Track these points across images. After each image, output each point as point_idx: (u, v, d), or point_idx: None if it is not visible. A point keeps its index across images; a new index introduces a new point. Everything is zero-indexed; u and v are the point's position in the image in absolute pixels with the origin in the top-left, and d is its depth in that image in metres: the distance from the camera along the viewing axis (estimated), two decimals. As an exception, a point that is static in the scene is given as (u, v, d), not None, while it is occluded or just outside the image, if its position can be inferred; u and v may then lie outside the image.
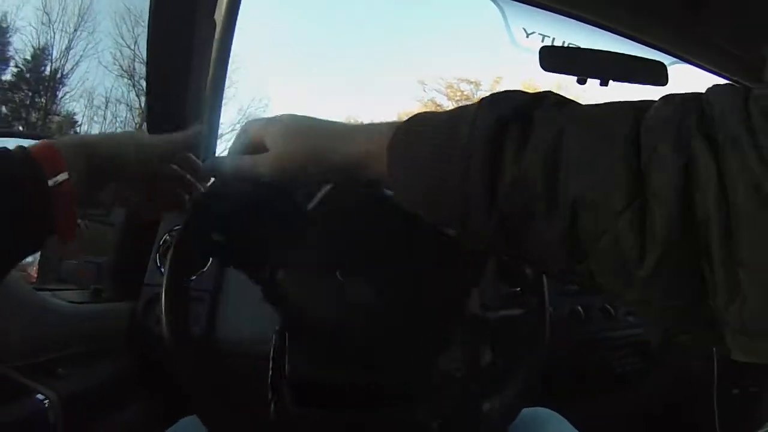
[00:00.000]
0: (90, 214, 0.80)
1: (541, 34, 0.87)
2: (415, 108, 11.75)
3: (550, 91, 0.31)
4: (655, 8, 0.90)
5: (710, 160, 0.23)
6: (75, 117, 7.94)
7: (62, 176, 0.36)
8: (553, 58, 0.85)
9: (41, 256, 0.76)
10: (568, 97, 0.31)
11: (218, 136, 0.91)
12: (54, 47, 7.65)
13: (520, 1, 0.85)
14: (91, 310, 0.73)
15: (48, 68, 7.77)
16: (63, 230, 0.37)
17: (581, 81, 0.87)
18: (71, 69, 7.72)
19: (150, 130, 0.78)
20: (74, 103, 7.85)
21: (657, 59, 0.89)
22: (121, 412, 0.72)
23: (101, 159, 0.40)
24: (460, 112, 0.33)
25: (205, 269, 0.73)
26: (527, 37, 0.86)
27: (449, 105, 11.29)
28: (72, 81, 7.79)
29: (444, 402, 0.56)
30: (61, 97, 7.87)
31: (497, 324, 0.68)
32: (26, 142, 0.80)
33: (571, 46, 0.87)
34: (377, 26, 16.08)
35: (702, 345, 0.30)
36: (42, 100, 7.67)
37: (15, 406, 0.55)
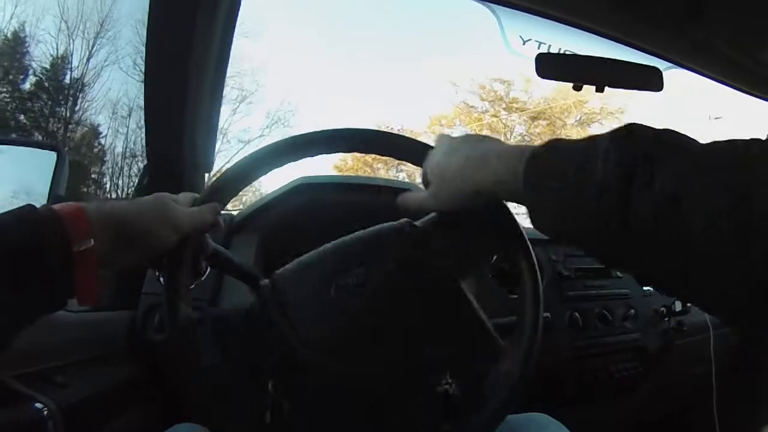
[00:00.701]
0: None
1: (537, 41, 0.87)
2: (447, 110, 11.83)
3: (668, 130, 0.34)
4: (652, 14, 0.90)
5: None
6: (100, 128, 7.85)
7: (86, 243, 0.37)
8: (550, 65, 0.85)
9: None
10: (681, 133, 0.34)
11: (217, 139, 0.92)
12: (74, 55, 7.59)
13: (516, 9, 0.85)
14: (89, 318, 0.73)
15: (68, 77, 7.72)
16: (83, 294, 0.37)
17: (577, 87, 0.88)
18: (93, 77, 7.66)
19: (149, 136, 0.78)
20: (98, 115, 7.76)
21: (652, 65, 0.90)
22: (119, 420, 0.72)
23: (127, 231, 0.40)
24: (591, 145, 0.35)
25: (203, 278, 0.74)
26: (524, 44, 0.87)
27: (482, 105, 11.46)
28: (94, 90, 7.72)
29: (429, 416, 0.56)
30: (86, 107, 7.78)
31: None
32: (41, 153, 0.81)
33: (567, 52, 0.87)
34: (403, 28, 15.85)
35: None
36: (62, 109, 7.63)
37: (14, 414, 0.55)
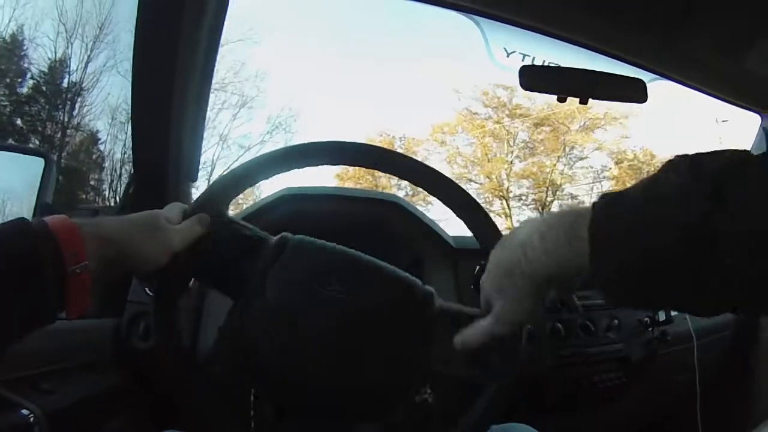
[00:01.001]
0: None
1: (521, 53, 0.88)
2: (449, 117, 11.63)
3: (747, 155, 0.32)
4: (636, 26, 0.91)
5: None
6: (99, 134, 7.71)
7: (82, 267, 0.37)
8: (534, 77, 0.86)
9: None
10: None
11: (203, 146, 0.93)
12: (72, 59, 7.48)
13: (500, 21, 0.86)
14: (75, 325, 0.73)
15: (66, 81, 7.62)
16: (74, 309, 0.39)
17: (561, 99, 0.88)
18: (92, 82, 7.52)
19: (135, 144, 0.79)
20: (97, 120, 7.60)
21: (637, 76, 0.90)
22: (105, 427, 0.73)
23: (119, 252, 0.41)
24: (660, 193, 0.32)
25: (189, 286, 0.75)
26: (507, 56, 0.87)
27: (485, 112, 11.33)
28: (93, 95, 7.57)
29: (413, 418, 0.57)
30: (84, 112, 7.65)
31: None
32: (28, 159, 0.81)
33: (551, 65, 0.88)
34: (403, 33, 15.82)
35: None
36: (60, 114, 7.60)
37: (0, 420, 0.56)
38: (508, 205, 11.11)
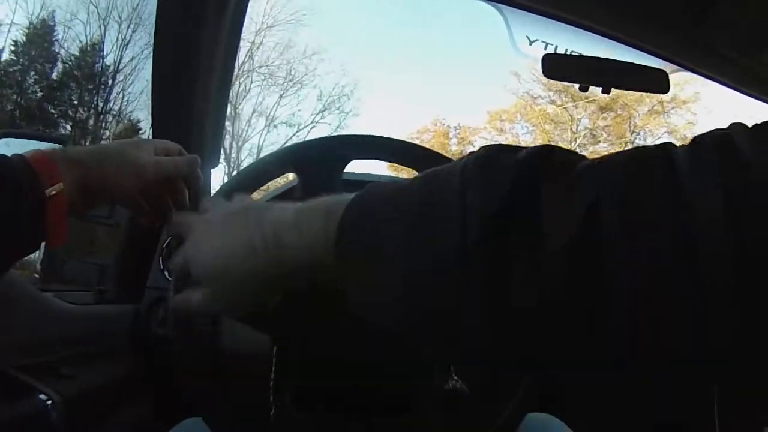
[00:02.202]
0: (92, 216, 0.81)
1: (544, 42, 0.87)
2: (508, 101, 10.89)
3: (550, 148, 0.24)
4: (658, 17, 0.90)
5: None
6: (140, 124, 7.55)
7: (58, 187, 0.38)
8: (556, 66, 0.86)
9: (44, 257, 0.77)
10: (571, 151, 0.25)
11: (224, 135, 0.92)
12: (105, 43, 7.30)
13: (523, 9, 0.86)
14: (94, 311, 0.73)
15: (100, 65, 7.46)
16: (54, 237, 0.39)
17: (583, 88, 0.88)
18: (129, 65, 7.30)
19: (155, 130, 0.78)
20: (139, 111, 7.47)
21: (659, 67, 0.90)
22: (123, 413, 0.73)
23: (94, 176, 0.41)
24: (432, 187, 0.25)
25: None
26: (530, 44, 0.87)
27: (547, 96, 10.60)
28: (135, 84, 7.41)
29: (443, 413, 0.56)
30: (123, 98, 7.48)
31: None
32: (47, 146, 0.82)
33: (573, 53, 0.87)
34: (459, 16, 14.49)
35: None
36: (95, 99, 7.38)
37: (17, 406, 0.55)
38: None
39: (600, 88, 0.88)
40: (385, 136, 0.60)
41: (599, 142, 10.37)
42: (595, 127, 10.47)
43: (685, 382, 0.24)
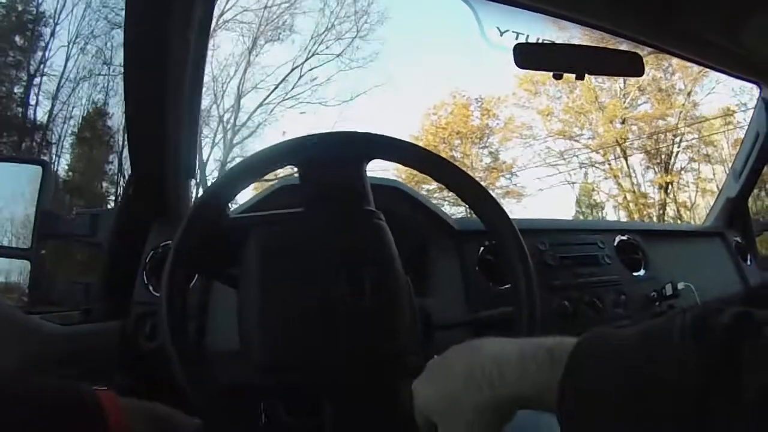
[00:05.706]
0: (76, 235, 0.81)
1: (515, 32, 0.87)
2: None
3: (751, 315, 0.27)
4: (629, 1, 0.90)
5: None
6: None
7: None
8: (528, 55, 0.85)
9: (31, 279, 0.77)
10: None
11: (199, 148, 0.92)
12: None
13: (492, 0, 0.85)
14: (81, 330, 0.74)
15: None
16: None
17: (557, 76, 0.87)
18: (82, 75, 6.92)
19: (130, 145, 0.78)
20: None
21: (632, 50, 0.90)
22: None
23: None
24: (652, 349, 0.29)
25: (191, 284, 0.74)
26: (501, 35, 0.86)
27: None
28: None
29: None
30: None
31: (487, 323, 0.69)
32: (26, 167, 0.83)
33: (545, 42, 0.87)
34: None
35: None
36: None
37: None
38: (626, 161, 8.78)
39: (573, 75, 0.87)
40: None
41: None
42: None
43: None
